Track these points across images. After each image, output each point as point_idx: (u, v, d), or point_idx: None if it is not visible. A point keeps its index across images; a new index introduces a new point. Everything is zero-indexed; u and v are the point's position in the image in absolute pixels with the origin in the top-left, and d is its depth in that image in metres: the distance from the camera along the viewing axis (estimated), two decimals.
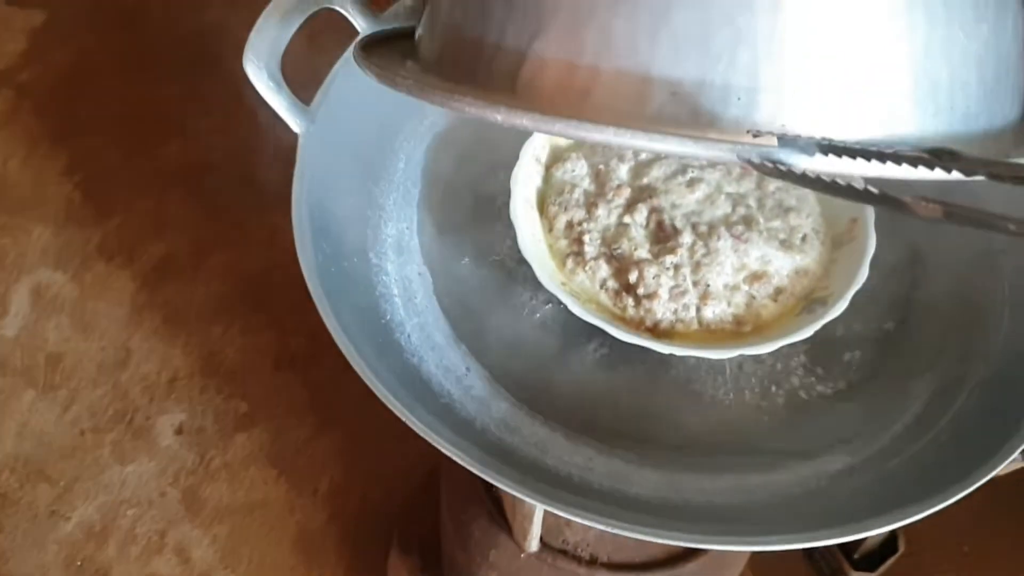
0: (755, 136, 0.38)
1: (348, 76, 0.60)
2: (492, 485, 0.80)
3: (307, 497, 1.22)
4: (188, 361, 1.34)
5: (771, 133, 0.38)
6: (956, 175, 0.36)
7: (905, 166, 0.36)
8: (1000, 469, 0.50)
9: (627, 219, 0.60)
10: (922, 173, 0.36)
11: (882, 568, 1.15)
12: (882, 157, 0.36)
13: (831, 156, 0.37)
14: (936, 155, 0.36)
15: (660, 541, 0.46)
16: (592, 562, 0.77)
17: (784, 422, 0.56)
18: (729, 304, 0.57)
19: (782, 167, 0.37)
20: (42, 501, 1.22)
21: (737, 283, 0.58)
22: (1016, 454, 0.50)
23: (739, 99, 0.39)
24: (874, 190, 0.36)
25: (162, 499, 1.23)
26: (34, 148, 1.56)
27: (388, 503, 1.21)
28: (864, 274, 0.57)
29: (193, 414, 1.29)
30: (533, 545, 0.74)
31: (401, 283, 0.60)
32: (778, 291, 0.58)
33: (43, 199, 1.50)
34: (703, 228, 0.59)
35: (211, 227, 1.45)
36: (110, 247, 1.45)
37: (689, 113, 0.39)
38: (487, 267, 0.62)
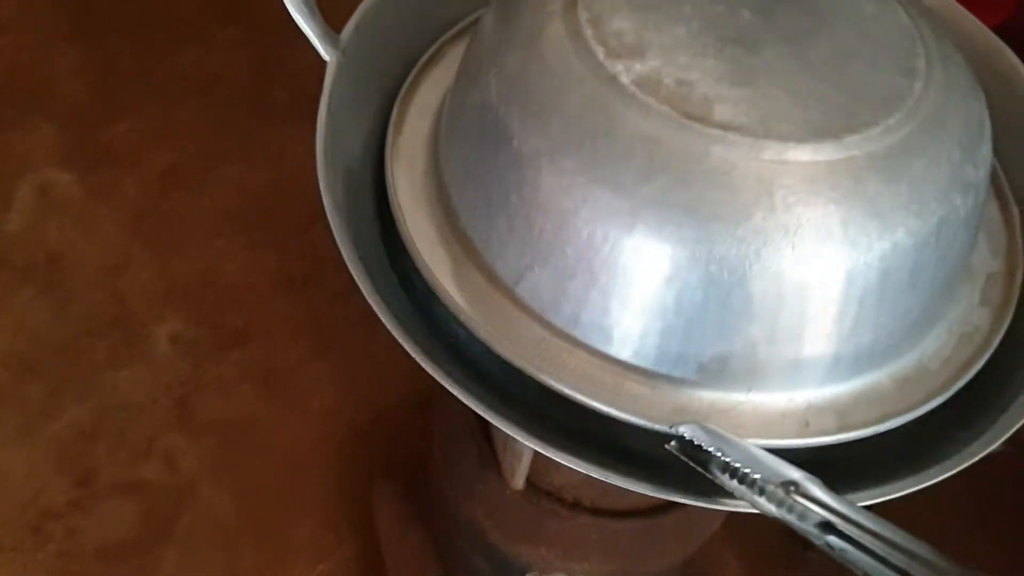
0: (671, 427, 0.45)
1: (381, 8, 0.59)
2: (485, 421, 0.81)
3: (297, 417, 1.23)
4: (187, 272, 1.34)
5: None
6: None
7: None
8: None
9: None
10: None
11: None
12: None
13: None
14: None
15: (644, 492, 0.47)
16: (575, 505, 0.78)
17: None
18: None
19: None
20: (35, 398, 1.23)
21: None
22: None
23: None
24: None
25: (153, 406, 1.24)
26: (46, 44, 1.54)
27: (377, 430, 1.23)
28: None
29: (189, 325, 1.30)
30: (520, 483, 0.76)
31: None
32: None
33: (52, 96, 1.48)
34: None
35: (220, 139, 1.44)
36: (117, 151, 1.44)
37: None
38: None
